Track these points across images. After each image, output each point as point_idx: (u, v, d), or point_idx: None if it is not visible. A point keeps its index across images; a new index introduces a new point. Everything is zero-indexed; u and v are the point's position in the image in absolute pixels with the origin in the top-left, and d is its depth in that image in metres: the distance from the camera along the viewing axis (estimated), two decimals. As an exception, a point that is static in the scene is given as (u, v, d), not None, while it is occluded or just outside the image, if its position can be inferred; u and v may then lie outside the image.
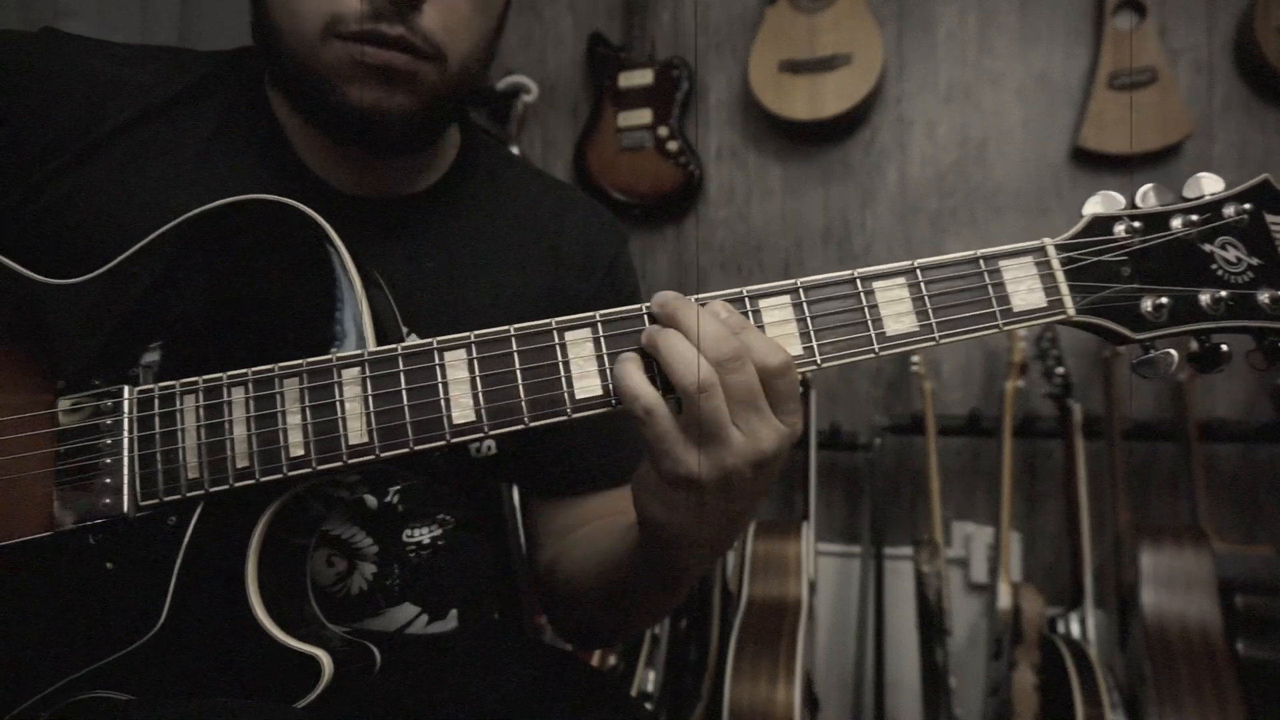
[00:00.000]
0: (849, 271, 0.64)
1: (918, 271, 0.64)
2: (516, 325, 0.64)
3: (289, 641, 0.64)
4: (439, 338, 0.65)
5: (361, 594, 0.85)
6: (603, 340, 0.64)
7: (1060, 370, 2.17)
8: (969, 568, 2.38)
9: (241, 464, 0.65)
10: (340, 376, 0.65)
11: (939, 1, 2.48)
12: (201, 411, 0.66)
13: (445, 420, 0.64)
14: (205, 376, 0.66)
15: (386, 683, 0.72)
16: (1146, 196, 0.65)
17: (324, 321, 0.67)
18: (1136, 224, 0.64)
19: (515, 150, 2.56)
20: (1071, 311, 0.64)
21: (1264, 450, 2.19)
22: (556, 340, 0.64)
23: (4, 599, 0.66)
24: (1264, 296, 0.62)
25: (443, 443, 0.64)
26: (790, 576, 2.11)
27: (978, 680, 2.21)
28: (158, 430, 0.66)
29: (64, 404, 0.68)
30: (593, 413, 0.64)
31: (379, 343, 0.66)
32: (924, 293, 0.64)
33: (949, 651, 2.06)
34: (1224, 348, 0.64)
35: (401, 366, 0.64)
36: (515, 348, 0.64)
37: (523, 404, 0.63)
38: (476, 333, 0.65)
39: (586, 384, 0.64)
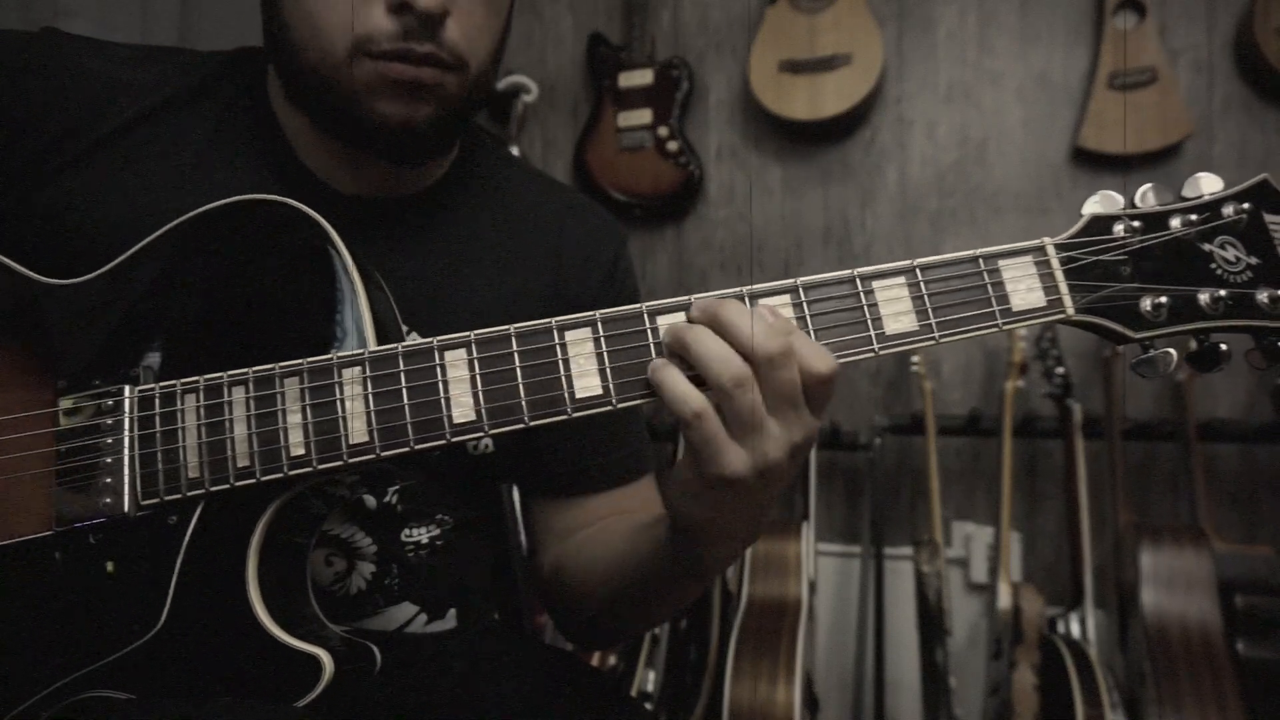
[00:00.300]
0: (848, 271, 0.64)
1: (917, 271, 0.64)
2: (517, 325, 0.64)
3: (289, 641, 0.64)
4: (439, 337, 0.65)
5: (360, 593, 0.85)
6: (603, 339, 0.64)
7: (1060, 370, 2.17)
8: (969, 568, 2.38)
9: (242, 463, 0.65)
10: (341, 376, 0.65)
11: (939, 1, 2.48)
12: (202, 411, 0.66)
13: (445, 420, 0.64)
14: (206, 376, 0.67)
15: (386, 682, 0.73)
16: (1146, 196, 0.65)
17: (324, 321, 0.67)
18: (1136, 223, 0.64)
19: (515, 150, 2.56)
20: (1071, 311, 0.64)
21: (1264, 450, 2.19)
22: (557, 339, 0.64)
23: (4, 599, 0.66)
24: (1263, 296, 0.62)
25: (443, 442, 0.64)
26: (790, 576, 2.11)
27: (978, 680, 2.21)
28: (158, 429, 0.67)
29: (65, 403, 0.68)
30: (593, 412, 0.64)
31: (379, 342, 0.66)
32: (924, 292, 0.64)
33: (949, 651, 2.06)
34: (1223, 347, 0.64)
35: (402, 366, 0.65)
36: (515, 347, 0.64)
37: (523, 403, 0.63)
38: (477, 332, 0.65)
39: (586, 383, 0.64)
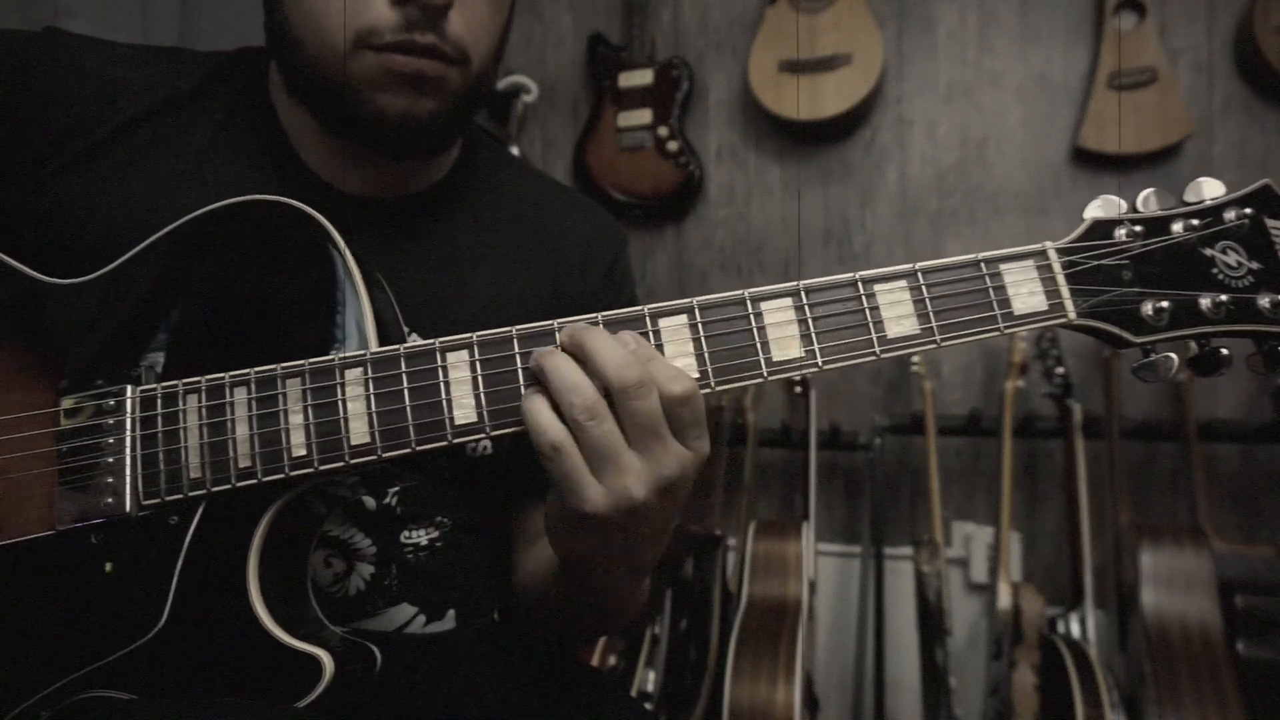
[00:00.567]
0: (850, 274, 0.65)
1: (919, 274, 0.64)
2: (519, 326, 0.65)
3: (290, 641, 0.64)
4: (441, 339, 0.65)
5: (359, 594, 0.85)
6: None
7: (1060, 370, 2.18)
8: (969, 568, 2.38)
9: (244, 464, 0.65)
10: (343, 377, 0.65)
11: (939, 1, 2.48)
12: (204, 411, 0.66)
13: (447, 421, 0.64)
14: (208, 376, 0.67)
15: (386, 683, 0.73)
16: (1147, 200, 0.65)
17: (326, 322, 0.67)
18: (1137, 228, 0.64)
19: (515, 150, 2.56)
20: (1072, 315, 0.64)
21: (1264, 450, 2.19)
22: (558, 341, 0.64)
23: (5, 598, 0.66)
24: (1264, 301, 0.63)
25: (444, 443, 0.64)
26: (790, 576, 2.11)
27: (978, 680, 2.21)
28: (160, 430, 0.67)
29: (67, 403, 0.68)
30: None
31: (381, 343, 0.66)
32: (925, 295, 0.64)
33: (949, 651, 2.06)
34: (1224, 351, 0.64)
35: (404, 367, 0.65)
36: (517, 348, 0.64)
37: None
38: (478, 334, 0.65)
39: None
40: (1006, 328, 0.64)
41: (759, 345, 0.64)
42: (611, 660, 2.05)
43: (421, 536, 0.88)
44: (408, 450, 0.64)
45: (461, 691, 0.84)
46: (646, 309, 0.64)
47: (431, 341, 0.65)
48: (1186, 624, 1.80)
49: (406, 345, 0.65)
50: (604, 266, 0.96)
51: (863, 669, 2.22)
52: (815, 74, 2.37)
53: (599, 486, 0.60)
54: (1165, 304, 0.63)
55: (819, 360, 0.64)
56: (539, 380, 0.61)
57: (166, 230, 0.70)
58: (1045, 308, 0.64)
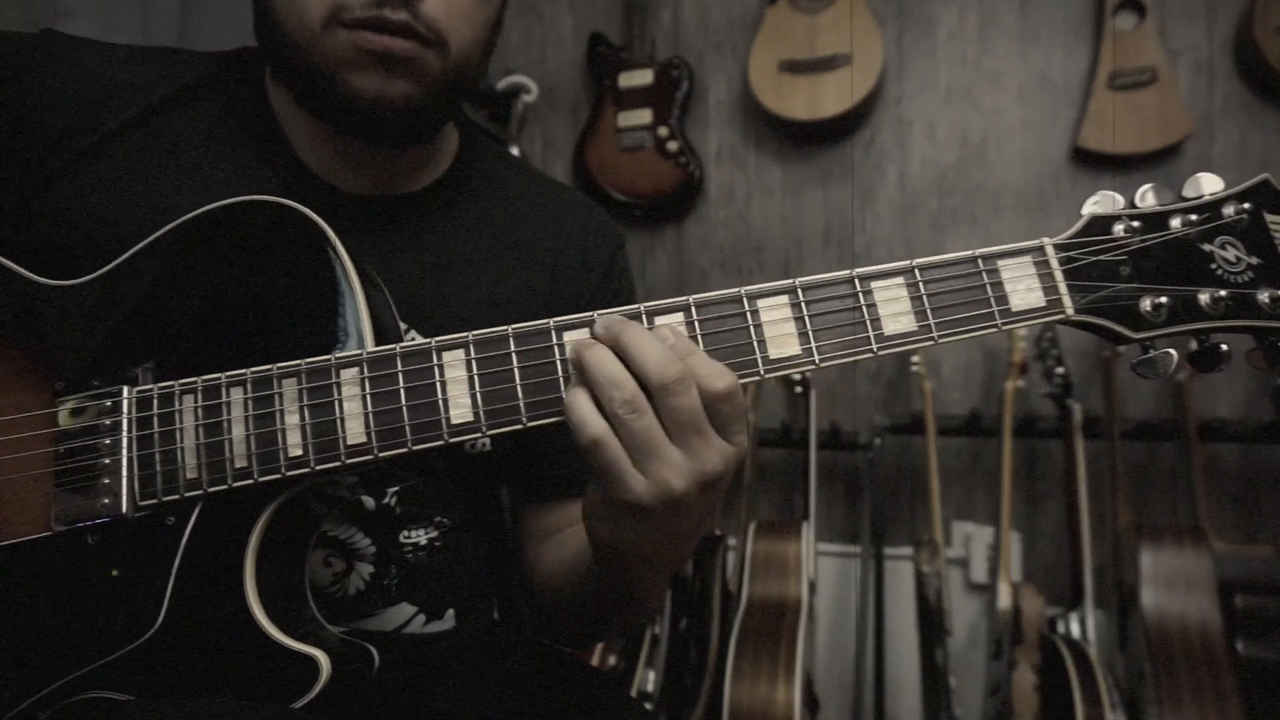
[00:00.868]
0: (847, 271, 0.64)
1: (916, 271, 0.64)
2: (515, 325, 0.64)
3: (287, 641, 0.64)
4: (438, 338, 0.65)
5: (359, 594, 0.85)
6: (601, 340, 0.63)
7: (1060, 370, 2.17)
8: (969, 568, 2.38)
9: (240, 464, 0.65)
10: (339, 377, 0.65)
11: (939, 1, 2.47)
12: (200, 412, 0.66)
13: (443, 420, 0.64)
14: (204, 377, 0.66)
15: (385, 683, 0.73)
16: (1145, 196, 0.65)
17: (323, 323, 0.67)
18: (1135, 224, 0.64)
19: (515, 150, 2.56)
20: (1070, 311, 0.64)
21: (1264, 450, 2.19)
22: (554, 340, 0.64)
23: (3, 600, 0.66)
24: (1264, 296, 0.62)
25: (440, 442, 0.64)
26: (790, 576, 2.11)
27: (978, 680, 2.21)
28: (156, 430, 0.66)
29: (63, 405, 0.68)
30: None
31: (377, 343, 0.66)
32: (922, 292, 0.64)
33: (949, 651, 2.06)
34: (1223, 347, 0.63)
35: (400, 366, 0.64)
36: (513, 347, 0.64)
37: (520, 404, 0.63)
38: (475, 333, 0.65)
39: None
40: (1004, 324, 0.63)
41: (755, 343, 0.63)
42: (611, 660, 2.04)
43: (421, 536, 0.88)
44: (404, 450, 0.64)
45: (461, 691, 0.83)
46: (643, 307, 0.64)
47: (428, 341, 0.65)
48: (1186, 624, 1.80)
49: (402, 345, 0.65)
50: (602, 265, 0.95)
51: (863, 669, 2.22)
52: (815, 74, 2.37)
53: (641, 478, 0.59)
54: (1164, 300, 0.63)
55: (816, 358, 0.63)
56: (578, 371, 0.61)
57: (163, 231, 0.70)
58: (1043, 304, 0.64)
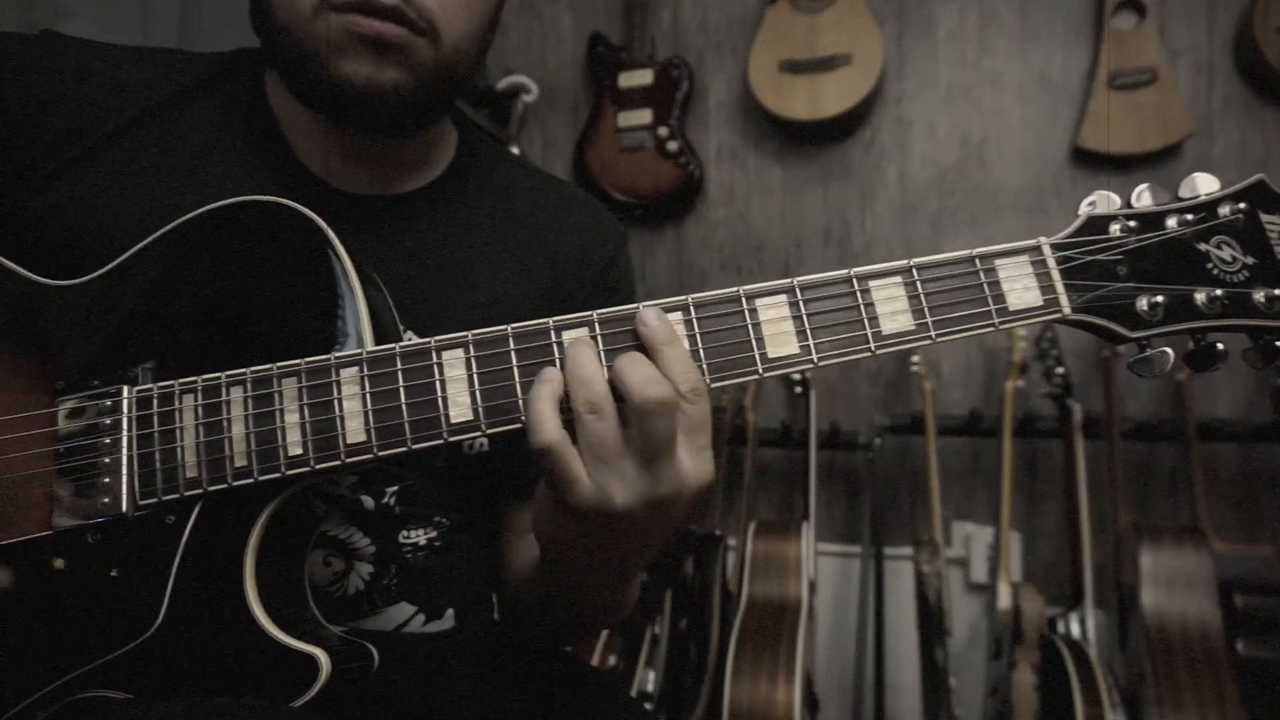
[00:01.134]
0: (845, 271, 0.65)
1: (913, 270, 0.64)
2: (514, 324, 0.65)
3: (287, 640, 0.64)
4: (437, 337, 0.65)
5: (358, 594, 0.85)
6: (599, 339, 0.64)
7: (1060, 370, 2.18)
8: (969, 568, 2.38)
9: (240, 463, 0.65)
10: (338, 376, 0.65)
11: (939, 1, 2.48)
12: (200, 411, 0.66)
13: (443, 419, 0.64)
14: (204, 376, 0.67)
15: (384, 682, 0.73)
16: (1142, 196, 0.65)
17: (323, 322, 0.67)
18: (1132, 223, 0.64)
19: (515, 150, 2.57)
20: (1067, 310, 0.64)
21: (1264, 450, 2.19)
22: (554, 339, 0.64)
23: (3, 598, 0.66)
24: (1259, 295, 0.62)
25: (440, 442, 0.64)
26: (790, 576, 2.11)
27: (978, 680, 2.21)
28: (156, 430, 0.67)
29: (63, 404, 0.68)
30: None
31: (377, 342, 0.66)
32: (920, 291, 0.64)
33: (949, 651, 2.06)
34: (1220, 346, 0.64)
35: (399, 366, 0.65)
36: (513, 346, 0.64)
37: (520, 403, 0.63)
38: (474, 332, 0.65)
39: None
40: (1001, 324, 0.64)
41: (754, 341, 0.64)
42: (611, 660, 2.04)
43: (420, 536, 0.88)
44: (404, 449, 0.64)
45: (460, 691, 0.83)
46: (640, 306, 0.64)
47: (427, 340, 0.65)
48: (1186, 624, 1.80)
49: (402, 344, 0.65)
50: (602, 264, 0.95)
51: (863, 669, 2.22)
52: (815, 74, 2.37)
53: (586, 481, 0.60)
54: (1160, 299, 0.63)
55: (814, 356, 0.63)
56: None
57: (163, 231, 0.70)
58: (1040, 303, 0.64)
